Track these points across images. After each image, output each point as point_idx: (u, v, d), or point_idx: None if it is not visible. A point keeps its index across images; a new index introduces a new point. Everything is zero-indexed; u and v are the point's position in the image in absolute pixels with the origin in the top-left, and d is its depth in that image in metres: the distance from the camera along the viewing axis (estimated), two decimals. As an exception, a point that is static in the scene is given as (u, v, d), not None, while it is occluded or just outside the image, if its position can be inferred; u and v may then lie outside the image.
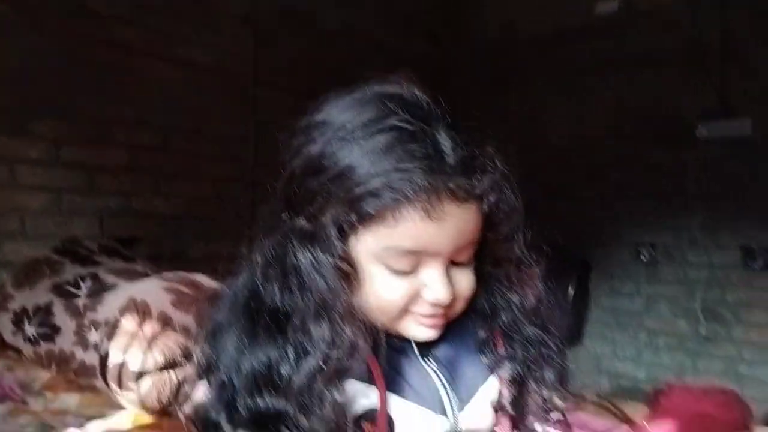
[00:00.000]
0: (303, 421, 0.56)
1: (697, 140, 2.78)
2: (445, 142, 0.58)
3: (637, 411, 1.09)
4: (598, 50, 3.06)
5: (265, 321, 0.59)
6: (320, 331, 0.57)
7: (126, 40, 2.28)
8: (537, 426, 0.71)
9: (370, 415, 0.59)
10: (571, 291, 2.95)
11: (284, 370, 0.57)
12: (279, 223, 0.62)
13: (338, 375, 0.57)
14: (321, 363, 0.57)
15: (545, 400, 0.68)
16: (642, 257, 3.00)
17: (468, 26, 3.56)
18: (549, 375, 0.68)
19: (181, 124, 2.46)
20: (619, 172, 3.02)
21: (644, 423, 0.94)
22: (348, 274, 0.60)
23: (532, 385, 0.67)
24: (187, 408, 0.64)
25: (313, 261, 0.58)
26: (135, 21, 2.31)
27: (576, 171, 3.14)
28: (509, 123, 2.89)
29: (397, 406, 0.61)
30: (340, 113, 0.60)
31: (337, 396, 0.57)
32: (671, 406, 1.00)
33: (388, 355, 0.61)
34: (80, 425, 1.23)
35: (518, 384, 0.67)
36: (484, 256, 0.66)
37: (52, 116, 2.11)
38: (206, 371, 0.62)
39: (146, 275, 1.64)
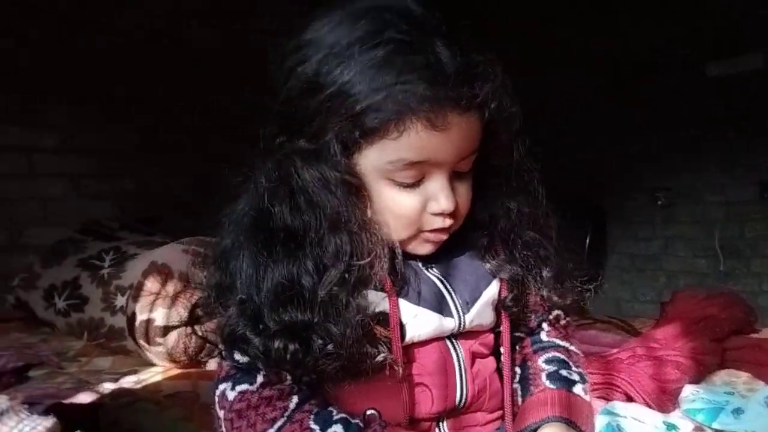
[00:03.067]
0: (332, 328, 0.57)
1: (708, 78, 2.75)
2: (445, 52, 0.58)
3: (645, 325, 1.12)
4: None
5: (280, 238, 0.59)
6: (339, 243, 0.58)
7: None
8: (535, 321, 0.75)
9: (382, 319, 0.61)
10: (587, 239, 2.95)
11: (307, 283, 0.58)
12: (279, 146, 0.62)
13: (360, 284, 0.59)
14: (344, 273, 0.58)
15: (544, 297, 0.71)
16: (659, 201, 2.99)
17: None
18: (546, 274, 0.70)
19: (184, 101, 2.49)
20: (630, 117, 2.98)
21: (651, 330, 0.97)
22: (357, 188, 0.60)
23: (531, 283, 0.70)
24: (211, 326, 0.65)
25: (321, 178, 0.59)
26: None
27: (585, 115, 3.07)
28: (513, 62, 2.84)
29: (407, 310, 0.63)
30: (333, 30, 0.59)
31: (361, 302, 0.59)
32: (676, 311, 1.02)
33: (394, 267, 0.63)
34: (115, 381, 1.29)
35: (518, 284, 0.70)
36: (483, 164, 0.66)
37: (65, 103, 2.16)
38: (220, 295, 0.62)
39: (165, 244, 1.69)
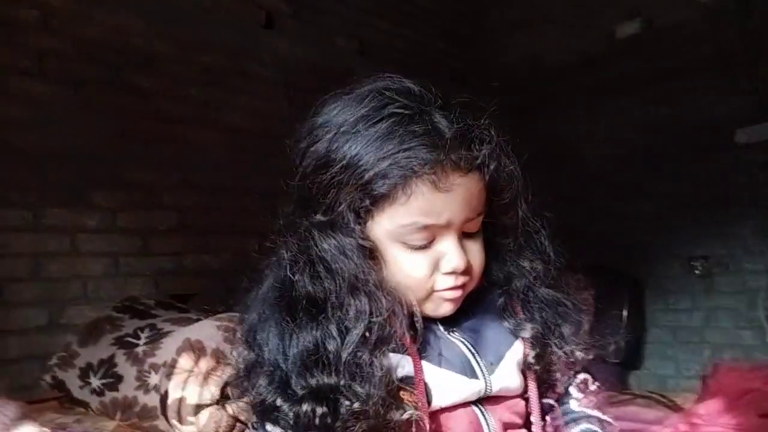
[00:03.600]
0: (357, 388, 0.59)
1: (736, 146, 2.74)
2: (442, 120, 0.63)
3: (688, 400, 1.07)
4: (624, 70, 3.10)
5: (303, 306, 0.63)
6: (359, 304, 0.61)
7: (170, 111, 2.46)
8: (562, 387, 0.74)
9: (407, 383, 0.63)
10: (624, 312, 2.87)
11: (331, 346, 0.60)
12: (299, 222, 0.67)
13: (382, 342, 0.61)
14: (365, 333, 0.60)
15: (567, 354, 0.71)
16: (696, 270, 2.91)
17: (493, 64, 3.65)
18: (567, 330, 0.71)
19: (224, 184, 2.60)
20: (660, 187, 2.98)
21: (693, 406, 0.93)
22: (372, 251, 0.64)
23: (553, 341, 0.71)
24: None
25: (337, 245, 0.63)
26: (177, 93, 2.49)
27: (614, 189, 3.10)
28: (541, 150, 2.92)
29: (431, 373, 0.64)
30: (341, 111, 0.65)
31: (384, 362, 0.61)
32: (718, 385, 0.98)
33: (415, 327, 0.65)
34: (145, 462, 1.28)
35: (540, 343, 0.70)
36: (492, 227, 0.70)
37: (107, 187, 2.27)
38: (250, 371, 0.65)
39: (199, 320, 1.72)
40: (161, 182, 2.41)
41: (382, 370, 0.60)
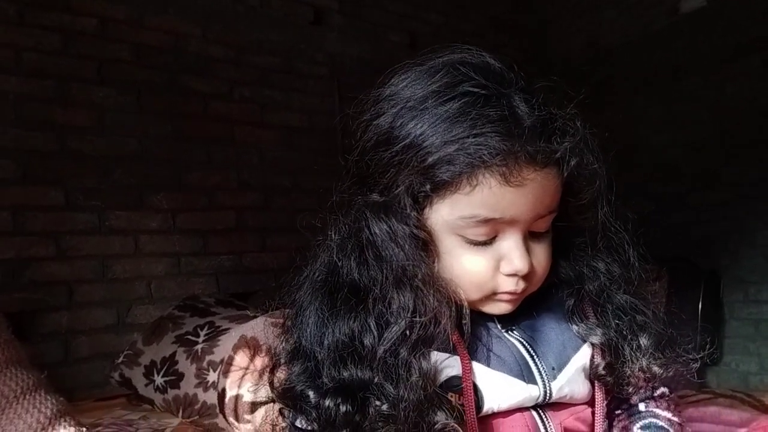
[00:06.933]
0: (389, 389, 0.55)
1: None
2: (521, 105, 0.56)
3: (778, 399, 0.97)
4: (690, 48, 2.91)
5: (344, 294, 0.59)
6: (402, 299, 0.57)
7: (226, 113, 2.50)
8: (636, 399, 0.67)
9: (455, 385, 0.58)
10: (700, 304, 2.70)
11: (367, 340, 0.57)
12: (353, 200, 0.62)
13: (423, 343, 0.56)
14: (405, 331, 0.56)
15: (643, 369, 0.64)
16: (777, 260, 2.71)
17: (551, 54, 3.53)
18: (645, 342, 0.64)
19: (280, 183, 2.62)
20: (736, 174, 2.79)
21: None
22: (426, 243, 0.58)
23: (627, 352, 0.63)
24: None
25: (389, 231, 0.58)
26: (231, 95, 2.52)
27: (687, 178, 2.94)
28: (609, 136, 2.79)
29: (482, 375, 0.59)
30: (410, 84, 0.59)
31: (423, 364, 0.56)
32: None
33: (463, 327, 0.60)
34: (205, 459, 1.29)
35: (613, 352, 0.64)
36: (566, 223, 0.63)
37: (167, 189, 2.32)
38: (294, 352, 0.62)
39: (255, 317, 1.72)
40: (219, 183, 2.45)
41: (420, 372, 0.55)
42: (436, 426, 0.55)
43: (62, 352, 1.99)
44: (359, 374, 0.56)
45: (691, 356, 0.65)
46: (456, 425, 0.55)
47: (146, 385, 1.78)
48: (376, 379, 0.55)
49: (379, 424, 0.54)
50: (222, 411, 1.39)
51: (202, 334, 1.72)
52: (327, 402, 0.55)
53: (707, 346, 0.65)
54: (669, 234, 2.79)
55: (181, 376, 1.65)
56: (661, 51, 3.03)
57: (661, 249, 2.31)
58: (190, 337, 1.74)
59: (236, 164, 2.50)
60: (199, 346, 1.67)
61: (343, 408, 0.54)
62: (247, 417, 1.33)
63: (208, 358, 1.60)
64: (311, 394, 0.57)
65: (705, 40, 2.87)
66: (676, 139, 2.99)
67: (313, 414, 0.56)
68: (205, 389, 1.55)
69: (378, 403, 0.54)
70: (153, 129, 2.28)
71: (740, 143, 2.76)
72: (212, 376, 1.53)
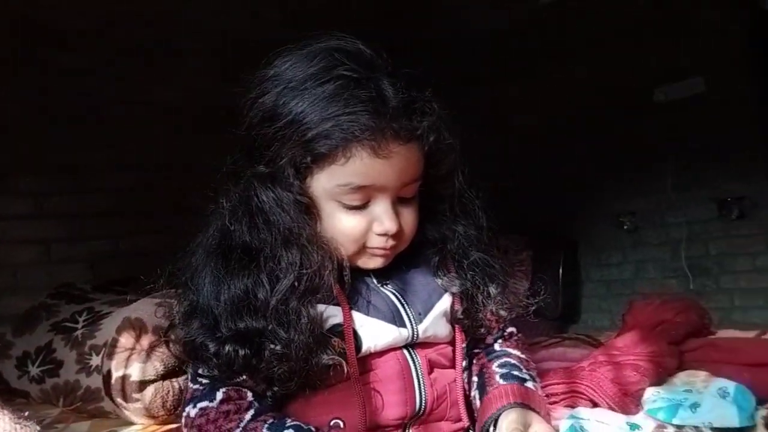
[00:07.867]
0: (282, 333, 0.62)
1: (656, 105, 2.89)
2: (388, 88, 0.65)
3: (610, 338, 1.15)
4: (548, 38, 3.18)
5: (237, 255, 0.66)
6: (290, 256, 0.65)
7: (99, 89, 2.36)
8: (491, 339, 0.80)
9: (337, 331, 0.67)
10: (560, 271, 3.01)
11: (261, 293, 0.64)
12: (242, 172, 0.70)
13: (310, 293, 0.65)
14: (294, 283, 0.64)
15: (493, 312, 0.77)
16: (625, 226, 3.07)
17: (420, 31, 3.66)
18: (493, 290, 0.76)
19: (160, 162, 2.53)
20: (587, 149, 3.10)
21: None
22: (309, 207, 0.67)
23: (480, 299, 0.76)
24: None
25: (276, 198, 0.66)
26: (102, 71, 2.39)
27: (545, 154, 3.21)
28: (474, 116, 2.98)
29: (361, 322, 0.68)
30: (291, 67, 0.67)
31: (311, 310, 0.64)
32: (634, 320, 1.06)
33: (344, 280, 0.69)
34: (93, 443, 1.27)
35: (468, 299, 0.76)
36: (430, 191, 0.74)
37: (32, 171, 2.18)
38: (190, 312, 0.68)
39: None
40: (92, 164, 2.33)
41: (308, 317, 0.63)
42: (323, 360, 0.63)
43: None
44: (254, 324, 0.63)
45: (528, 302, 0.79)
46: (340, 358, 0.64)
47: (19, 377, 1.69)
48: (270, 327, 0.63)
49: (274, 363, 0.62)
50: (108, 393, 1.36)
51: (80, 320, 1.66)
52: (226, 348, 0.62)
53: (540, 293, 0.79)
54: (531, 207, 3.06)
55: (60, 364, 1.59)
56: (520, 40, 3.27)
57: (525, 220, 2.55)
58: (67, 323, 1.67)
59: (111, 144, 2.39)
60: (78, 332, 1.60)
61: (241, 352, 0.62)
62: (136, 396, 1.32)
63: (89, 342, 1.54)
64: (211, 344, 0.63)
65: (559, 32, 3.14)
66: (534, 118, 3.25)
67: (214, 360, 0.62)
68: (88, 374, 1.50)
69: (272, 345, 0.62)
70: (13, 105, 2.12)
71: (588, 121, 3.06)
72: (95, 360, 1.49)
